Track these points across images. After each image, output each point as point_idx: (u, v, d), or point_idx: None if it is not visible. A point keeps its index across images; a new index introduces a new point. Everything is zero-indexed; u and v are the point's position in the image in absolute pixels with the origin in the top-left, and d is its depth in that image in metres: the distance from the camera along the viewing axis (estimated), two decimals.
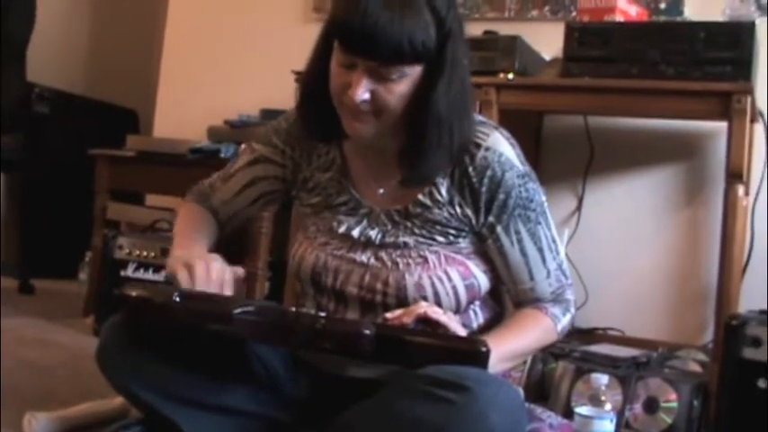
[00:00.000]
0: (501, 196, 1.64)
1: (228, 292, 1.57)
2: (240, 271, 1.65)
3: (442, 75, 1.55)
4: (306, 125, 1.74)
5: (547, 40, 2.93)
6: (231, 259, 1.71)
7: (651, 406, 2.39)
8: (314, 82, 1.67)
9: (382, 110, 1.57)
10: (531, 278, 1.69)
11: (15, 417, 1.95)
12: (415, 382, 1.42)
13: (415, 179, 1.64)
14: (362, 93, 1.54)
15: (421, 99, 1.56)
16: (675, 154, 3.04)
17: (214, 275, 1.57)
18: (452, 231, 1.66)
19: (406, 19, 1.50)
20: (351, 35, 1.53)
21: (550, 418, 1.93)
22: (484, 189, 1.64)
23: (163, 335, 1.61)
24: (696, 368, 2.58)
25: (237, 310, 1.47)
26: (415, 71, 1.55)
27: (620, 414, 2.34)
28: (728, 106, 2.43)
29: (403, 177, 1.65)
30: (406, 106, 1.57)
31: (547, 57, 2.91)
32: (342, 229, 1.72)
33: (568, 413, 2.22)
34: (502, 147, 1.65)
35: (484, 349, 1.45)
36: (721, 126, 2.70)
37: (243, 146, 1.94)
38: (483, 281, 1.69)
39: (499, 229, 1.66)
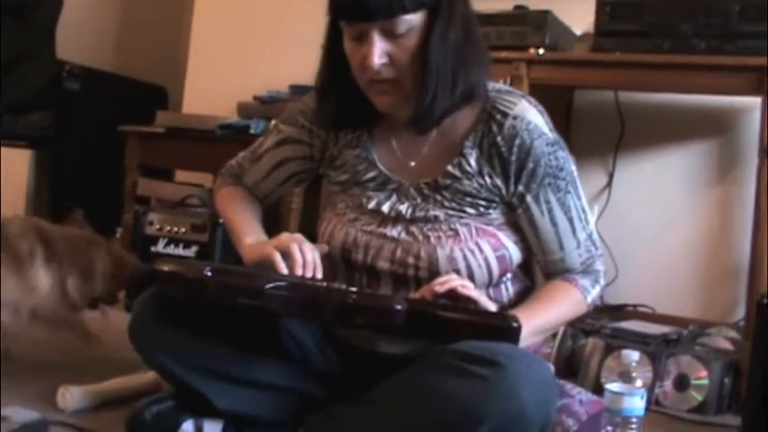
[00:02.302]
0: (530, 165, 1.63)
1: (320, 273, 1.59)
2: (324, 248, 1.68)
3: (436, 23, 1.57)
4: (330, 115, 1.76)
5: (577, 15, 2.90)
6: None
7: (682, 383, 2.38)
8: (331, 72, 1.71)
9: (400, 69, 1.59)
10: (561, 248, 1.69)
11: (49, 390, 1.97)
12: (446, 357, 1.43)
13: (416, 122, 1.64)
14: (379, 57, 1.57)
15: (423, 51, 1.58)
16: (707, 130, 3.01)
17: (309, 257, 1.59)
18: (482, 202, 1.66)
19: None
20: (350, 3, 1.57)
21: (580, 394, 1.93)
22: (513, 158, 1.63)
23: (194, 309, 1.62)
24: (727, 346, 2.57)
25: (269, 285, 1.48)
26: (419, 21, 1.57)
27: (649, 391, 2.33)
28: (762, 81, 2.40)
29: (408, 121, 1.66)
30: (416, 61, 1.58)
31: (578, 31, 2.89)
32: (371, 205, 1.72)
33: (598, 389, 2.22)
34: (530, 114, 1.64)
35: (515, 325, 1.45)
36: (755, 101, 2.67)
37: (273, 122, 1.95)
38: (514, 252, 1.68)
39: (529, 198, 1.65)
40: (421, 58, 1.58)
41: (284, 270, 1.57)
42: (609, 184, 3.12)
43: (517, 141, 1.63)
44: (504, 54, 2.64)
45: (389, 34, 1.57)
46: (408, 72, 1.60)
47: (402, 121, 1.70)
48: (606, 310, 2.87)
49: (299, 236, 1.64)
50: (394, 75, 1.60)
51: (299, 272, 1.57)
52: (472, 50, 1.63)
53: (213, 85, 3.91)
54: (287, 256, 1.59)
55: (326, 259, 1.70)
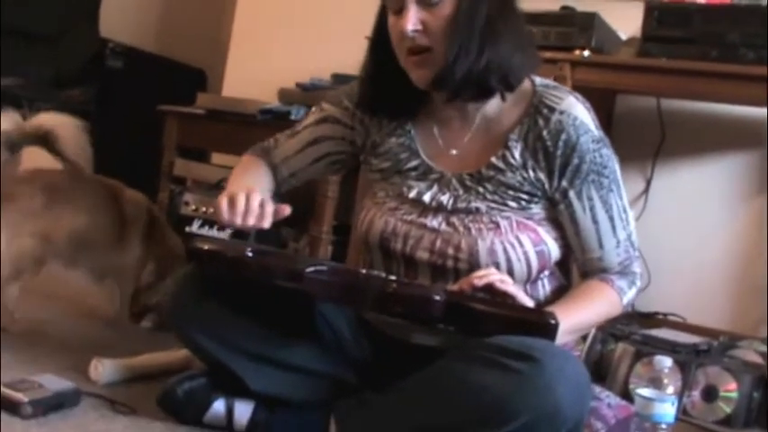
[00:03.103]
0: (575, 161, 1.63)
1: (267, 224, 1.58)
2: (287, 210, 1.63)
3: None
4: (372, 104, 1.78)
5: (624, 19, 2.89)
6: (297, 222, 1.72)
7: (710, 394, 2.36)
8: (377, 60, 1.74)
9: (434, 37, 1.62)
10: (601, 246, 1.68)
11: (82, 362, 1.99)
12: (481, 350, 1.43)
13: (436, 81, 1.65)
14: (414, 23, 1.61)
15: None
16: (749, 141, 2.98)
17: (254, 205, 1.57)
18: (525, 196, 1.66)
19: None
20: None
21: (609, 397, 1.93)
22: (558, 153, 1.63)
23: (233, 289, 1.63)
24: (757, 359, 2.54)
25: (310, 269, 1.49)
26: None
27: (678, 400, 2.31)
28: None
29: (431, 83, 1.66)
30: (450, 31, 1.61)
31: (624, 35, 2.87)
32: (412, 194, 1.72)
33: (625, 395, 2.22)
34: (576, 110, 1.64)
35: (553, 322, 1.45)
36: None
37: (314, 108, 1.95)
38: (553, 248, 1.68)
39: (572, 194, 1.65)
40: (453, 26, 1.61)
41: (225, 216, 1.57)
42: (646, 191, 3.10)
43: (563, 136, 1.63)
44: (548, 54, 2.62)
45: (425, 3, 1.61)
46: (441, 42, 1.62)
47: (440, 107, 1.72)
48: (637, 317, 2.85)
49: (253, 187, 1.64)
50: (427, 43, 1.62)
51: (238, 221, 1.56)
52: (505, 25, 1.64)
53: (254, 70, 3.91)
54: (232, 203, 1.58)
55: (361, 245, 1.70)
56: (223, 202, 1.58)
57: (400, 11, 1.62)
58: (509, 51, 1.64)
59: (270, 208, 1.59)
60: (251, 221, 1.57)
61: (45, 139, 2.27)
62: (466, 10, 1.60)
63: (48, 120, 2.28)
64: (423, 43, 1.62)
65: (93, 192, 2.43)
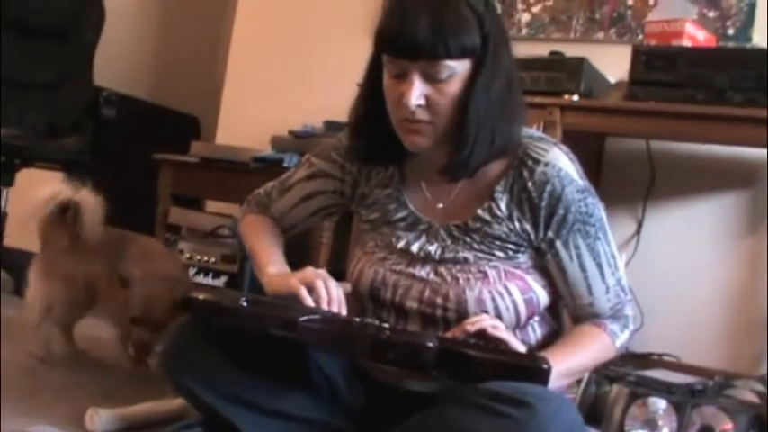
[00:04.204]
0: (560, 211, 1.64)
1: (344, 310, 1.61)
2: (348, 287, 1.70)
3: (480, 74, 1.59)
4: (362, 150, 1.78)
5: (612, 63, 2.92)
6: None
7: None
8: (367, 107, 1.72)
9: (437, 113, 1.60)
10: (590, 293, 1.69)
11: (77, 412, 1.99)
12: (475, 396, 1.43)
13: (450, 171, 1.66)
14: (417, 97, 1.58)
15: (463, 99, 1.59)
16: (739, 181, 3.01)
17: (334, 294, 1.61)
18: (511, 246, 1.67)
19: (446, 15, 1.55)
20: (397, 38, 1.58)
21: None
22: (543, 204, 1.64)
23: (228, 338, 1.64)
24: (753, 398, 2.54)
25: (303, 318, 1.50)
26: (463, 69, 1.58)
27: None
28: None
29: (442, 168, 1.67)
30: (455, 108, 1.60)
31: (612, 79, 2.90)
32: (401, 245, 1.74)
33: None
34: (561, 162, 1.66)
35: (545, 366, 1.46)
36: None
37: (306, 156, 1.97)
38: (542, 295, 1.69)
39: (558, 244, 1.66)
40: (460, 106, 1.60)
41: (307, 302, 1.59)
42: (638, 233, 3.12)
43: (548, 188, 1.64)
44: (538, 99, 2.65)
45: (430, 78, 1.58)
46: (444, 117, 1.61)
47: (431, 164, 1.71)
48: (631, 358, 2.85)
49: (323, 272, 1.66)
50: (429, 118, 1.61)
51: (323, 308, 1.59)
52: (512, 104, 1.65)
53: (247, 118, 3.94)
54: (312, 291, 1.61)
55: (350, 297, 1.71)
56: (302, 289, 1.61)
57: (402, 76, 1.60)
58: (515, 127, 1.66)
59: (342, 293, 1.64)
60: (335, 309, 1.60)
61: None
62: (478, 96, 1.58)
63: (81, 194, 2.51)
64: (423, 118, 1.61)
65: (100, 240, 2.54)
